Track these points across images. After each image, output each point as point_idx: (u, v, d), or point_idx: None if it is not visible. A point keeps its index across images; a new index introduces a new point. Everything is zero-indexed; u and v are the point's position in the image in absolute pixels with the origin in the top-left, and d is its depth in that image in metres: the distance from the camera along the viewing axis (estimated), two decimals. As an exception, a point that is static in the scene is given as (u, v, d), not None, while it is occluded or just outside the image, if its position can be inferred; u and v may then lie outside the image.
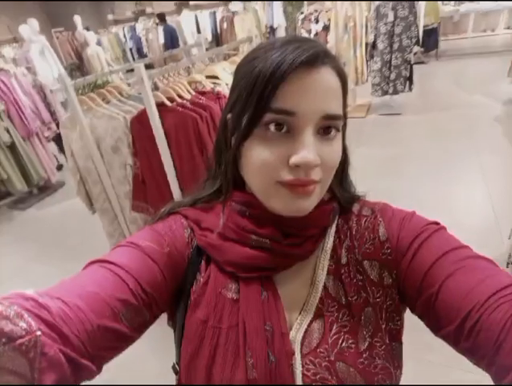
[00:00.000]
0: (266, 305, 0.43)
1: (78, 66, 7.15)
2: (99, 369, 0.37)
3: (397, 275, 0.44)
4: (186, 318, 0.46)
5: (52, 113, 3.78)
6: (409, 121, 4.01)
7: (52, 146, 4.06)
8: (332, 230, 0.49)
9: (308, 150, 0.38)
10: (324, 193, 0.45)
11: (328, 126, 0.41)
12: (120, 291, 0.39)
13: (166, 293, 0.45)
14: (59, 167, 4.18)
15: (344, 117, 0.46)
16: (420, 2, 4.99)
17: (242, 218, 0.46)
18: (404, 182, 2.79)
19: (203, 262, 0.48)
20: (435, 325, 0.40)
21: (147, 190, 1.63)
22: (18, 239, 3.07)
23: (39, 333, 0.30)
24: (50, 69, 5.14)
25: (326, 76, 0.40)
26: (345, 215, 0.50)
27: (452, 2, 6.68)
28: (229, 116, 0.45)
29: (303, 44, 0.39)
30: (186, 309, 0.47)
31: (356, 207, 0.51)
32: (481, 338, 0.34)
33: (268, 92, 0.38)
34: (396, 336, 0.45)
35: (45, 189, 3.74)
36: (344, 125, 0.48)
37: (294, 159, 0.39)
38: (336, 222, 0.50)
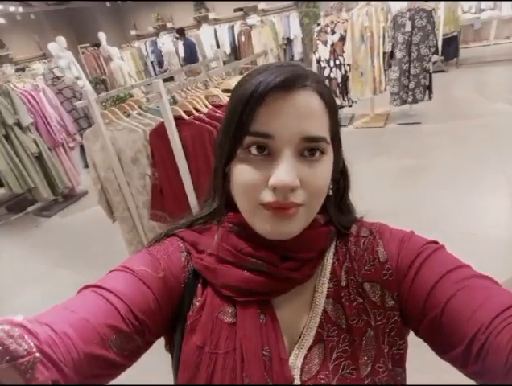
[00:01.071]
0: (264, 329, 0.42)
1: (102, 80, 7.45)
2: None
3: (399, 296, 0.43)
4: (182, 343, 0.45)
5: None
6: (429, 130, 3.94)
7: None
8: (331, 252, 0.48)
9: (286, 172, 0.38)
10: (311, 217, 0.44)
11: (312, 148, 0.40)
12: (110, 318, 0.39)
13: (160, 319, 0.44)
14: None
15: (338, 139, 0.46)
16: (439, 11, 4.95)
17: (240, 240, 0.45)
18: (424, 192, 2.73)
19: (199, 285, 0.47)
20: (441, 348, 0.39)
21: (165, 199, 1.68)
22: (43, 244, 3.19)
23: (37, 355, 0.30)
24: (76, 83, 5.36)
25: (305, 99, 0.40)
26: (343, 236, 0.49)
27: (473, 10, 6.57)
28: (218, 139, 0.46)
29: (282, 68, 0.40)
30: (183, 333, 0.46)
31: (354, 229, 0.50)
32: (489, 362, 0.34)
33: (246, 115, 0.39)
34: (399, 361, 0.44)
35: (69, 197, 3.89)
36: (339, 148, 0.47)
37: (271, 181, 0.39)
38: (334, 244, 0.49)
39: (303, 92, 0.40)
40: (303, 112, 0.39)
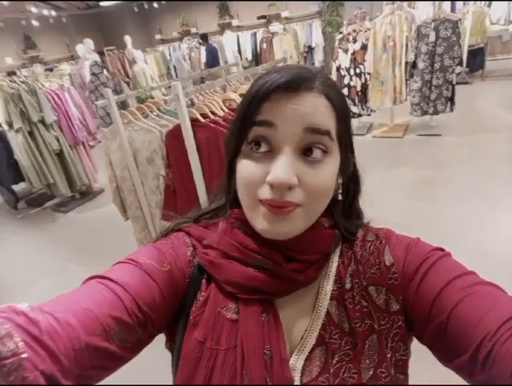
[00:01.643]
0: (265, 327, 0.42)
1: (126, 82, 7.65)
2: None
3: (403, 301, 0.43)
4: (184, 338, 0.45)
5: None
6: (449, 142, 3.84)
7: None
8: (336, 255, 0.48)
9: (283, 169, 0.38)
10: (311, 218, 0.43)
11: (313, 145, 0.40)
12: (115, 309, 0.38)
13: (164, 313, 0.44)
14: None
15: (347, 143, 0.45)
16: (466, 22, 4.84)
17: (246, 236, 0.46)
18: (440, 206, 2.66)
19: (204, 281, 0.47)
20: (446, 355, 0.39)
21: (177, 200, 1.69)
22: (59, 239, 3.28)
23: (24, 355, 0.29)
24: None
25: (309, 99, 0.40)
26: (349, 240, 0.49)
27: (502, 22, 6.40)
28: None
29: (289, 70, 0.41)
30: (185, 328, 0.45)
31: (360, 233, 0.50)
32: (496, 370, 0.33)
33: (251, 110, 0.41)
34: (402, 367, 0.43)
35: (86, 194, 3.99)
36: (352, 152, 0.47)
37: (268, 177, 0.39)
38: (339, 247, 0.49)
39: (309, 94, 0.40)
40: (307, 110, 0.40)
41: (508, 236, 2.23)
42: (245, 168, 0.42)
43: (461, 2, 5.92)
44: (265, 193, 0.40)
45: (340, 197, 0.48)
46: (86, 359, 0.35)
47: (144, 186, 1.86)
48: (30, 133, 3.36)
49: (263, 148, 0.41)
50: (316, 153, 0.41)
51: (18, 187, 4.00)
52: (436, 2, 4.89)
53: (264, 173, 0.40)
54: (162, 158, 1.72)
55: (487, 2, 6.11)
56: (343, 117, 0.43)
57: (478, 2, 5.92)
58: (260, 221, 0.42)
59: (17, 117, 3.24)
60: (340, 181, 0.47)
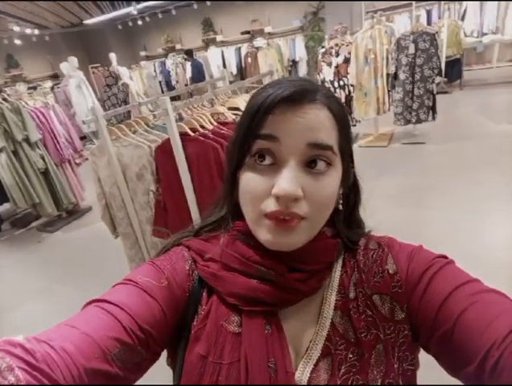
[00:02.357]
0: (269, 340, 0.41)
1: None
2: None
3: (408, 309, 0.43)
4: (186, 353, 0.44)
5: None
6: (433, 150, 3.94)
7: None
8: (339, 265, 0.48)
9: (288, 182, 0.38)
10: (315, 230, 0.43)
11: (316, 157, 0.41)
12: (112, 330, 0.38)
13: (166, 329, 0.43)
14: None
15: (348, 154, 0.46)
16: (442, 34, 5.05)
17: (248, 248, 0.45)
18: (428, 212, 2.71)
19: (204, 294, 0.47)
20: (453, 364, 0.38)
21: (168, 215, 1.67)
22: (45, 260, 3.18)
23: None
24: (85, 101, 5.51)
25: (312, 112, 0.40)
26: (352, 249, 0.49)
27: (475, 34, 6.70)
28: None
29: (292, 83, 0.41)
30: (186, 343, 0.45)
31: (362, 241, 0.50)
32: (505, 379, 0.32)
33: (255, 123, 0.40)
34: (410, 378, 0.42)
35: (73, 213, 3.90)
36: (351, 162, 0.48)
37: (273, 190, 0.39)
38: (342, 256, 0.49)
39: (312, 106, 0.41)
40: (310, 123, 0.40)
41: (491, 241, 2.27)
42: (250, 181, 0.42)
43: (437, 15, 6.20)
44: (270, 205, 0.40)
45: (340, 207, 0.48)
46: (88, 384, 0.34)
47: (134, 203, 1.83)
48: (15, 152, 3.29)
49: (267, 161, 0.41)
50: (320, 165, 0.41)
51: (2, 208, 3.89)
52: (414, 16, 5.10)
53: (269, 185, 0.40)
54: (151, 174, 1.71)
55: (460, 16, 6.41)
56: (344, 127, 0.44)
57: (452, 16, 6.21)
58: (264, 233, 0.41)
59: (0, 137, 3.18)
60: (340, 191, 0.47)
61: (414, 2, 5.03)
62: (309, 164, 0.41)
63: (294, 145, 0.40)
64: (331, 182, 0.42)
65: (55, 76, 8.67)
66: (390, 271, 0.45)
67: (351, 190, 0.50)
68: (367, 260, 0.47)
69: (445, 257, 0.44)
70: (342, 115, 0.44)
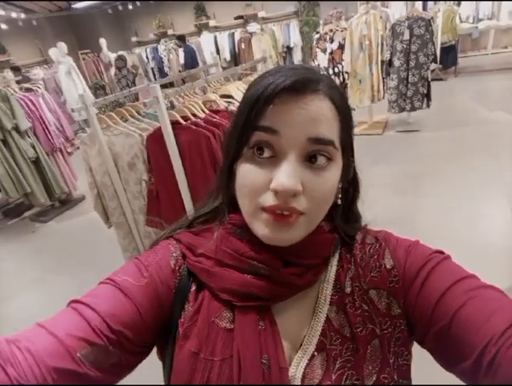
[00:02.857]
0: (262, 336, 0.40)
1: (102, 85, 7.48)
2: None
3: (405, 304, 0.42)
4: (175, 350, 0.43)
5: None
6: (428, 137, 3.95)
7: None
8: (335, 259, 0.47)
9: (287, 176, 0.37)
10: (313, 225, 0.43)
11: (317, 152, 0.39)
12: (80, 331, 0.38)
13: (143, 329, 0.42)
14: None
15: (351, 147, 0.45)
16: (437, 20, 4.99)
17: (241, 242, 0.44)
18: (424, 199, 2.73)
19: (192, 290, 0.46)
20: (449, 360, 0.38)
21: (161, 205, 1.66)
22: (38, 250, 3.16)
23: None
24: (75, 88, 5.40)
25: (314, 102, 0.39)
26: (348, 244, 0.49)
27: (471, 20, 6.64)
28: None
29: (294, 71, 0.39)
30: (175, 341, 0.44)
31: (359, 236, 0.49)
32: (501, 374, 0.32)
33: (254, 113, 0.39)
34: (405, 373, 0.42)
35: (66, 202, 3.87)
36: (352, 156, 0.47)
37: (272, 184, 0.38)
38: (338, 251, 0.48)
39: (315, 97, 0.39)
40: (312, 114, 0.39)
41: (486, 227, 2.30)
42: (248, 173, 0.41)
43: (432, 1, 6.12)
44: (268, 200, 0.39)
45: (339, 202, 0.47)
46: (61, 383, 0.35)
47: (126, 192, 1.82)
48: (4, 142, 3.23)
49: (266, 153, 0.40)
50: (321, 160, 0.40)
51: (-7, 198, 3.85)
52: (409, 1, 5.03)
53: (267, 179, 0.39)
54: (143, 163, 1.69)
55: (456, 2, 6.34)
56: (346, 119, 0.43)
57: (448, 1, 6.13)
58: (261, 227, 0.41)
59: (-12, 125, 3.11)
60: (339, 186, 0.46)
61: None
62: (309, 158, 0.40)
63: (294, 138, 0.38)
64: (331, 177, 0.41)
65: (45, 62, 8.46)
66: (388, 266, 0.44)
67: (350, 185, 0.49)
68: (364, 255, 0.46)
69: (442, 253, 0.44)
70: (345, 106, 0.43)
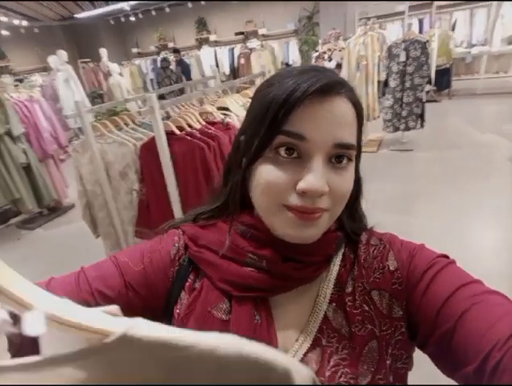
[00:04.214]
0: (258, 329, 0.41)
1: (100, 94, 7.49)
2: None
3: (407, 307, 0.42)
4: None
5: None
6: (421, 157, 3.98)
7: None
8: (338, 258, 0.48)
9: (316, 178, 0.38)
10: (332, 222, 0.44)
11: (340, 155, 0.41)
12: (68, 292, 0.42)
13: (128, 303, 0.45)
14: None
15: (359, 147, 0.46)
16: (433, 43, 5.12)
17: (243, 239, 0.46)
18: (415, 219, 2.73)
19: (189, 280, 0.47)
20: (452, 365, 0.37)
21: (152, 216, 1.62)
22: (24, 257, 3.06)
23: None
24: (73, 96, 5.40)
25: (340, 106, 0.40)
26: (352, 244, 0.49)
27: (465, 45, 6.83)
28: (243, 137, 0.46)
29: (319, 74, 0.40)
30: None
31: (364, 237, 0.50)
32: (506, 380, 0.31)
33: (281, 115, 0.39)
34: (402, 377, 0.42)
35: (55, 210, 3.79)
36: (358, 156, 0.47)
37: (301, 185, 0.39)
38: (342, 251, 0.48)
39: (339, 99, 0.40)
40: (337, 118, 0.40)
41: (476, 250, 2.29)
42: (271, 173, 0.40)
43: (428, 25, 6.30)
44: (294, 200, 0.40)
45: None
46: None
47: (116, 202, 1.78)
48: (-5, 146, 3.18)
49: (291, 155, 0.40)
50: (344, 161, 0.41)
51: (-21, 203, 3.76)
52: (406, 24, 5.16)
53: (292, 180, 0.40)
54: (135, 172, 1.66)
55: (451, 27, 6.54)
56: (361, 121, 0.44)
57: (443, 26, 6.32)
58: (285, 227, 0.41)
59: (-20, 129, 3.06)
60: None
61: (407, 11, 5.09)
62: (331, 159, 0.41)
63: (321, 142, 0.39)
64: (350, 176, 0.43)
65: (44, 69, 8.48)
66: (391, 268, 0.45)
67: (355, 183, 0.50)
68: (368, 256, 0.47)
69: (447, 257, 0.44)
70: (361, 108, 0.44)
